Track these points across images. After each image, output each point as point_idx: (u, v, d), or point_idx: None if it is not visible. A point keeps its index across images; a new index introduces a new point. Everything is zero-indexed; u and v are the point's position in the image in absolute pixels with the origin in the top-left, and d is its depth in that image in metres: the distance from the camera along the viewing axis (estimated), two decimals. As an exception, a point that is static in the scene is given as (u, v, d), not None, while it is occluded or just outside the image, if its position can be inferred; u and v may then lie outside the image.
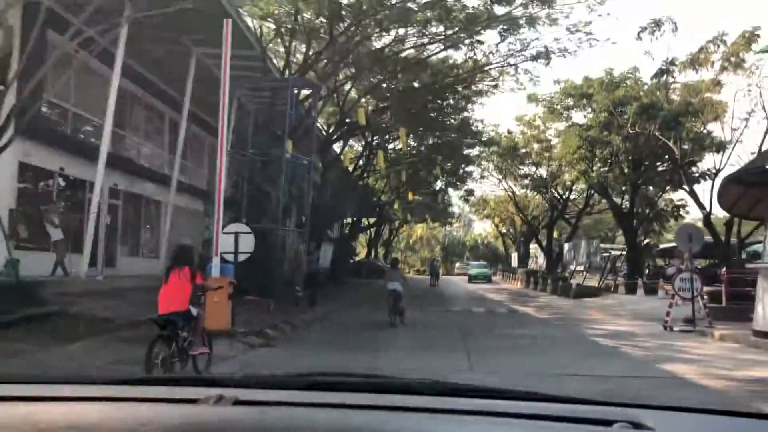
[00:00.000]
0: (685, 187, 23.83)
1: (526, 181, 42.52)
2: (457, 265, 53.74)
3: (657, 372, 9.20)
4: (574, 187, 40.84)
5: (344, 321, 15.47)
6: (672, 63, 20.37)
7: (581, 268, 34.85)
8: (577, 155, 30.27)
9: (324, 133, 25.29)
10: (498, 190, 51.11)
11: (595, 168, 29.45)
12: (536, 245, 52.16)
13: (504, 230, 66.95)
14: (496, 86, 25.89)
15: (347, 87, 24.97)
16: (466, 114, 30.60)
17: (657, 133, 22.67)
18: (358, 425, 1.31)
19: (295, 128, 19.41)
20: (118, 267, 19.86)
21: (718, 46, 19.13)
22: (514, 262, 64.80)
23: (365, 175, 35.47)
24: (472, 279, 48.01)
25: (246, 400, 1.39)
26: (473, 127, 31.40)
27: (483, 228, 77.25)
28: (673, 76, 20.74)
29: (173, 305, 6.84)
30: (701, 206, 21.45)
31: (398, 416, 1.37)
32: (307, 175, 18.44)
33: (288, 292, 16.74)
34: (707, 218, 20.96)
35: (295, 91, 19.30)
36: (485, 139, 34.38)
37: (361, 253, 65.00)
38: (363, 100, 26.15)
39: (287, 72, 20.72)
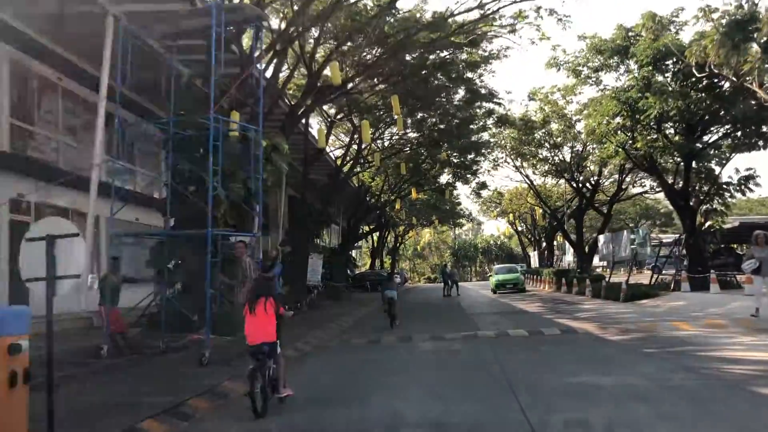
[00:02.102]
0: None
1: (546, 167, 36.81)
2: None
3: None
4: (603, 170, 35.21)
5: (318, 382, 9.55)
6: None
7: (605, 263, 28.80)
8: (613, 124, 24.56)
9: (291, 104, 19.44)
10: (512, 183, 45.50)
11: (639, 137, 23.66)
12: (560, 241, 46.41)
13: (520, 228, 61.20)
14: (513, 31, 19.96)
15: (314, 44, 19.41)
16: (475, 82, 24.91)
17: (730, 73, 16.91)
18: None
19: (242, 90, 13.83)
20: (33, 305, 15.00)
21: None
22: (534, 262, 58.98)
23: (356, 169, 29.69)
24: (498, 288, 34.90)
25: None
26: (484, 91, 25.39)
27: (496, 227, 71.33)
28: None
29: (263, 336, 6.87)
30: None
31: None
32: (255, 152, 12.54)
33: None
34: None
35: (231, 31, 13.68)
36: (498, 115, 28.57)
37: (366, 263, 60.59)
38: (343, 68, 20.47)
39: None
